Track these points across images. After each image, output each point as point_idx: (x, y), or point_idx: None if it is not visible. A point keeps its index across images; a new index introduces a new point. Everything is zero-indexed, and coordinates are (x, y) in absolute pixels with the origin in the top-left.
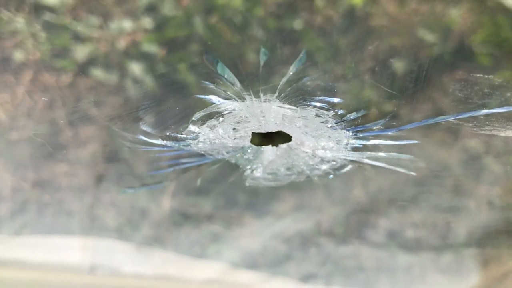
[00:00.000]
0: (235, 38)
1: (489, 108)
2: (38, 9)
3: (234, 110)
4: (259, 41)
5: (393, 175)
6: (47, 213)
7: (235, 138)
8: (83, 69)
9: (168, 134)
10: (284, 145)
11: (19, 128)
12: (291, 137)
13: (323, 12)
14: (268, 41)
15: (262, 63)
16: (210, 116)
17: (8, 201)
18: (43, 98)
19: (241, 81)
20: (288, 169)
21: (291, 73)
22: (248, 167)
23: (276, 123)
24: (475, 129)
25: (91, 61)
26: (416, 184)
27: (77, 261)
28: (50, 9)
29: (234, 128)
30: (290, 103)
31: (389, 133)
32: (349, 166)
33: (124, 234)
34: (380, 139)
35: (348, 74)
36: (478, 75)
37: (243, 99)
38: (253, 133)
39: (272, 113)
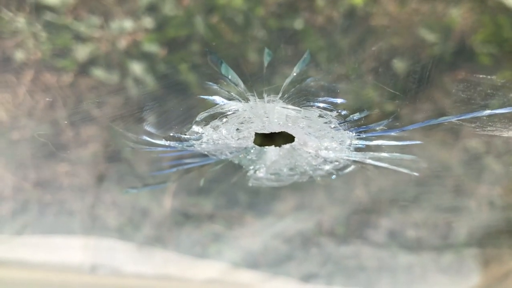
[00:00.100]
0: (236, 38)
1: (492, 109)
2: (39, 9)
3: (237, 110)
4: (260, 41)
5: (395, 175)
6: (48, 213)
7: (238, 139)
8: (84, 69)
9: (171, 134)
10: (287, 146)
11: (20, 128)
12: (292, 137)
13: (324, 12)
14: (270, 41)
15: (266, 64)
16: (213, 116)
17: (10, 201)
18: (47, 99)
19: (244, 82)
20: (291, 169)
21: (294, 74)
22: (251, 167)
23: (279, 123)
24: (477, 129)
25: (92, 61)
26: (417, 184)
27: (78, 261)
28: (51, 8)
29: (237, 129)
30: (293, 104)
31: (392, 133)
32: (352, 167)
33: (125, 234)
34: (383, 139)
35: (351, 75)
36: (480, 75)
37: (246, 100)
38: (255, 134)
39: (276, 113)
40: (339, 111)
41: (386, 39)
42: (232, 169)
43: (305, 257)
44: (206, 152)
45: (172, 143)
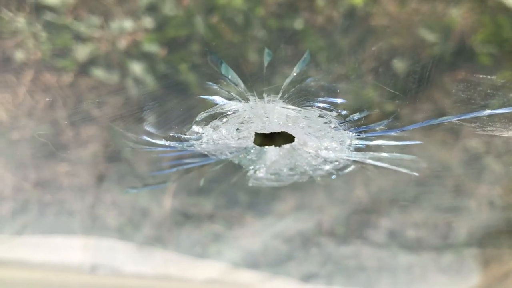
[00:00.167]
0: (236, 38)
1: (492, 109)
2: (39, 9)
3: (237, 110)
4: (260, 41)
5: (395, 175)
6: (48, 213)
7: (238, 139)
8: (84, 69)
9: (171, 134)
10: (287, 146)
11: (20, 128)
12: (292, 137)
13: (324, 12)
14: (270, 41)
15: (266, 64)
16: (213, 116)
17: (10, 201)
18: (47, 99)
19: (244, 82)
20: (291, 169)
21: (294, 74)
22: (251, 167)
23: (279, 123)
24: (477, 129)
25: (92, 61)
26: (417, 184)
27: (78, 261)
28: (51, 8)
29: (237, 129)
30: (293, 104)
31: (392, 133)
32: (352, 167)
33: (125, 234)
34: (383, 139)
35: (351, 75)
36: (480, 75)
37: (246, 100)
38: (255, 134)
39: (276, 113)
40: (339, 111)
41: (386, 39)
42: (232, 169)
43: (305, 257)
44: (206, 152)
45: (172, 143)
